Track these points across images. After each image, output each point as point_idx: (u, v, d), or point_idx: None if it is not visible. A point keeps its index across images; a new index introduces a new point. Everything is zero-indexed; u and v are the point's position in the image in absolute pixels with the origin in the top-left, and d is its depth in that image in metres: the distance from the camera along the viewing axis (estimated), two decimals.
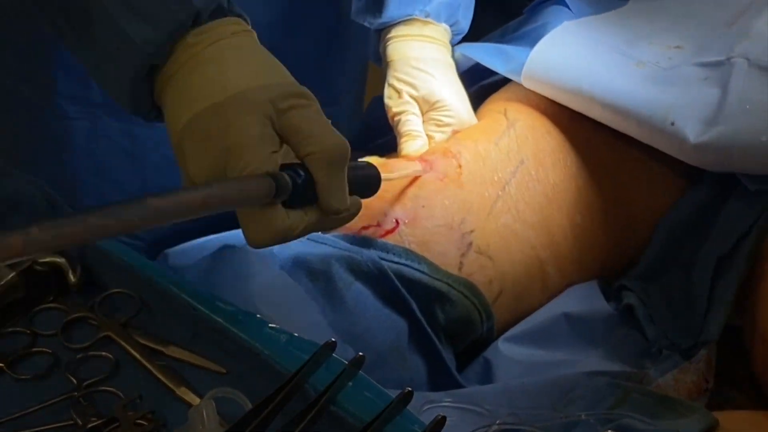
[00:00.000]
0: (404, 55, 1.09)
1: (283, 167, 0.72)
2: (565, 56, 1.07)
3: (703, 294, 1.00)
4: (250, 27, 0.80)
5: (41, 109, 1.11)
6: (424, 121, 1.09)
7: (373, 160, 1.07)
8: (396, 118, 1.09)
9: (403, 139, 1.07)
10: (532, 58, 1.08)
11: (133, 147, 1.12)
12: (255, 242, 0.73)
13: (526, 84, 1.08)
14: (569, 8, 1.16)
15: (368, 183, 0.83)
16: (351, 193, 0.77)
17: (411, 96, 1.09)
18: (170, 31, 0.75)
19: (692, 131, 0.97)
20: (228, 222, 1.08)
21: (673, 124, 0.98)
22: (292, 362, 0.73)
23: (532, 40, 1.11)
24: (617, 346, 1.00)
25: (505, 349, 0.98)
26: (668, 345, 1.00)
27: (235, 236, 0.98)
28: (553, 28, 1.12)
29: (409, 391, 0.71)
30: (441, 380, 0.95)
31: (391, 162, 1.04)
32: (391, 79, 1.10)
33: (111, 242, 0.84)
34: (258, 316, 0.78)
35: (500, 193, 1.00)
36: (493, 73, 1.15)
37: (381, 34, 1.13)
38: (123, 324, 0.80)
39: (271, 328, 0.77)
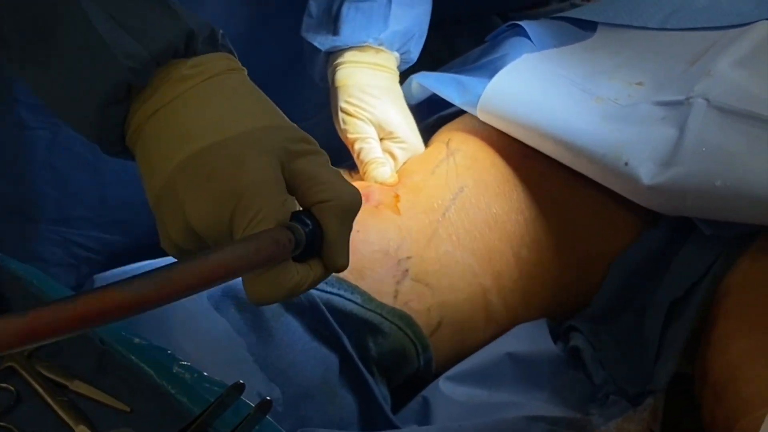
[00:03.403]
0: (357, 81, 1.07)
1: (290, 216, 0.66)
2: (522, 90, 1.04)
3: (654, 340, 0.97)
4: (240, 65, 0.73)
5: None
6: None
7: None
8: (357, 145, 1.06)
9: (371, 166, 1.04)
10: (488, 90, 1.04)
11: (95, 159, 1.09)
12: (262, 300, 0.65)
13: (482, 117, 1.05)
14: (531, 40, 1.13)
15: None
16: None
17: (369, 120, 1.06)
18: (159, 49, 0.67)
19: (646, 172, 0.93)
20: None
21: (626, 164, 0.94)
22: (200, 403, 0.70)
23: (490, 72, 1.07)
24: (563, 390, 0.97)
25: (446, 389, 0.95)
26: (616, 391, 0.96)
27: (164, 262, 0.94)
28: (512, 59, 1.08)
29: None
30: (373, 418, 0.92)
31: None
32: (343, 103, 1.07)
33: (23, 266, 0.80)
34: (169, 352, 0.75)
35: (440, 219, 0.98)
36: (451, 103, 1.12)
37: (330, 57, 1.10)
38: (28, 355, 0.76)
39: (181, 365, 0.73)
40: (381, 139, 1.07)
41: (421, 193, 1.00)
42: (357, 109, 1.06)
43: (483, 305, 0.98)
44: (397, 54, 1.10)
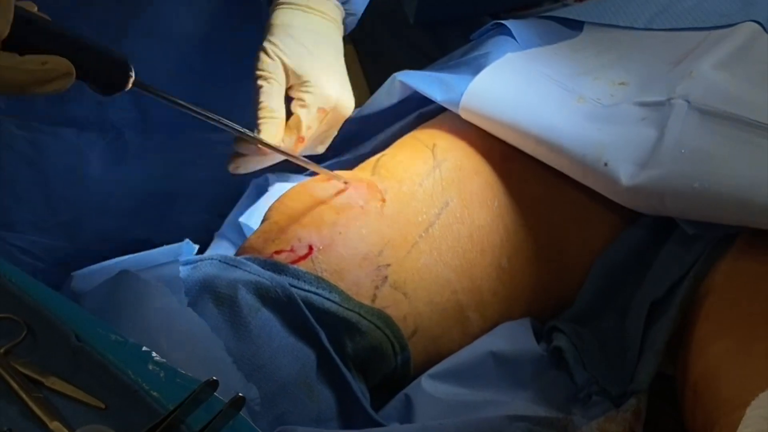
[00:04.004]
0: (285, 22, 1.02)
1: None
2: (504, 89, 1.04)
3: (636, 340, 0.97)
4: None
5: None
6: (289, 97, 1.02)
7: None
8: (258, 82, 1.00)
9: (260, 120, 0.98)
10: (470, 89, 1.04)
11: (38, 157, 1.08)
12: None
13: (463, 115, 1.05)
14: (515, 39, 1.13)
15: (105, 62, 0.79)
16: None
17: (283, 64, 1.01)
18: None
19: (625, 173, 0.94)
20: (134, 244, 1.06)
21: (606, 164, 0.95)
22: (174, 400, 0.70)
23: (472, 69, 1.08)
24: (545, 389, 0.97)
25: (428, 387, 0.95)
26: (598, 391, 0.96)
27: (142, 259, 0.95)
28: (495, 58, 1.09)
29: None
30: (352, 413, 0.92)
31: (311, 181, 1.02)
32: (265, 42, 1.02)
33: (2, 264, 0.80)
34: (144, 349, 0.75)
35: (423, 234, 0.97)
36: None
37: (271, 5, 1.06)
38: (5, 352, 0.76)
39: (156, 362, 0.73)
40: (292, 86, 1.01)
41: (407, 206, 0.99)
42: (273, 48, 1.01)
43: (459, 320, 0.98)
44: (336, 2, 1.06)
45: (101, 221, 1.16)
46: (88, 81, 0.79)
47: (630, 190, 0.93)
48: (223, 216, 1.17)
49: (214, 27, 1.12)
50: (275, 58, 1.00)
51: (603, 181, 0.96)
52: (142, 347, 0.75)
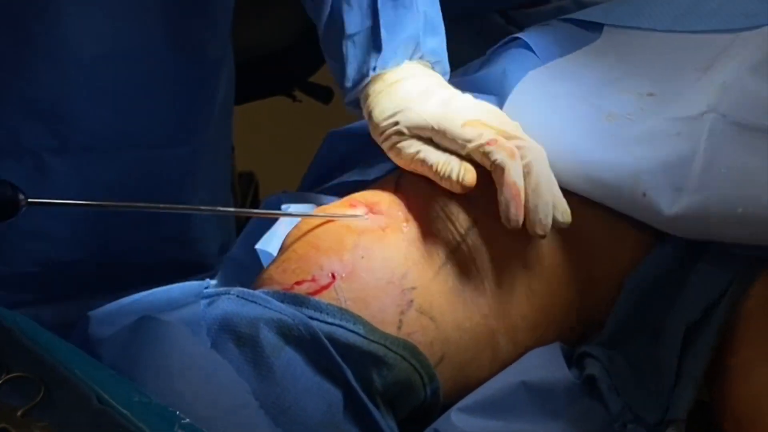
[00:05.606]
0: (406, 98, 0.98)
1: None
2: (532, 121, 0.98)
3: (671, 366, 0.94)
4: None
5: None
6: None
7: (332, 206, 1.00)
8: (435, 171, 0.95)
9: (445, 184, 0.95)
10: None
11: None
12: None
13: None
14: (534, 52, 1.08)
15: None
16: None
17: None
18: None
19: (666, 202, 0.90)
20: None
21: (644, 195, 0.92)
22: None
23: (487, 87, 1.04)
24: (579, 420, 0.94)
25: (458, 421, 0.91)
26: (633, 419, 0.93)
27: (161, 295, 0.92)
28: (511, 71, 1.04)
29: None
30: None
31: (331, 207, 0.99)
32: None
33: (11, 314, 0.76)
34: (170, 410, 0.71)
35: (451, 253, 0.94)
36: None
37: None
38: (22, 414, 0.72)
39: (183, 425, 0.70)
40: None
41: (433, 224, 0.95)
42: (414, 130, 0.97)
43: (489, 345, 0.95)
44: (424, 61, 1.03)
45: (36, 246, 1.17)
46: None
47: (673, 219, 0.90)
48: (165, 238, 1.20)
49: (114, 43, 1.10)
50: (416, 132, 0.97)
51: (643, 211, 0.93)
52: (167, 408, 0.71)
